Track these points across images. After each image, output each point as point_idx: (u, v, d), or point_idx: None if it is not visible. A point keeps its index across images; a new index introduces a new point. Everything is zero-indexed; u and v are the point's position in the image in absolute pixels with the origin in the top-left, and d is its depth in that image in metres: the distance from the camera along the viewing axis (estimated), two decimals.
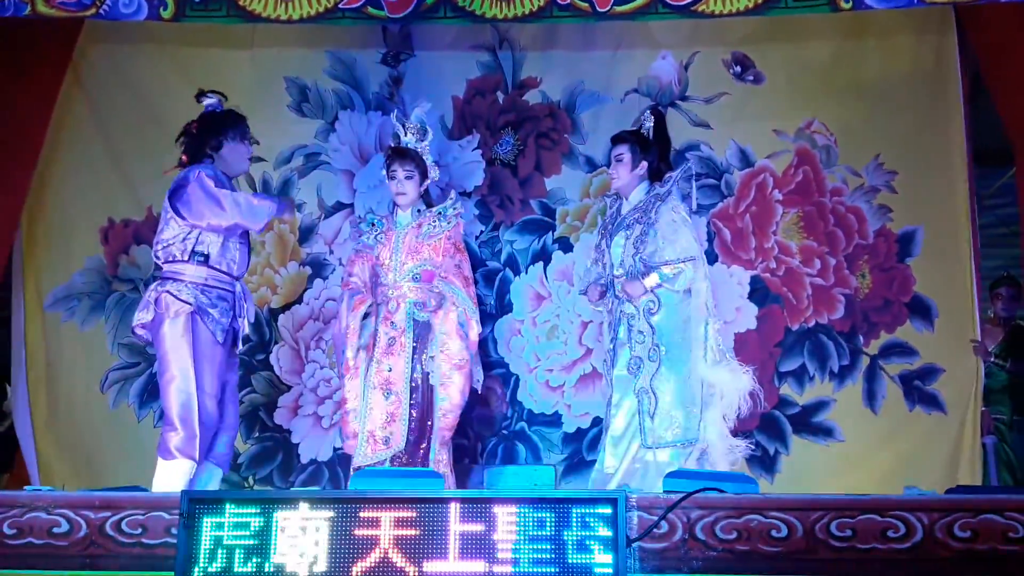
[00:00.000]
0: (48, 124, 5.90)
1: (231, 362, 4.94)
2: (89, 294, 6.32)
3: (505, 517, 3.38)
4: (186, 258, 4.75)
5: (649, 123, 5.25)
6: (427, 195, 5.46)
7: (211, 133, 4.89)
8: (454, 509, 3.38)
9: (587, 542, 3.33)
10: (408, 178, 5.30)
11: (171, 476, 4.56)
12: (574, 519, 3.36)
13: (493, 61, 6.42)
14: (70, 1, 5.28)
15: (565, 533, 3.35)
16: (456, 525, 3.37)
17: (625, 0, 5.19)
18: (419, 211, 5.37)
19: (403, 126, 5.40)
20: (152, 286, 4.85)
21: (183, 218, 4.72)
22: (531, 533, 3.35)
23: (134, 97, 6.28)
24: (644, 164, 5.19)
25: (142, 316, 4.77)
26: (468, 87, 6.43)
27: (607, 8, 5.24)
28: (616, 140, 5.30)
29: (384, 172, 5.41)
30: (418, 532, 3.38)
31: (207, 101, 4.96)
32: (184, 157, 4.87)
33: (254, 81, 6.40)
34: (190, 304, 4.69)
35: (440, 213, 5.35)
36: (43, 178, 6.20)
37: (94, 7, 5.29)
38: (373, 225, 5.38)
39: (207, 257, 4.77)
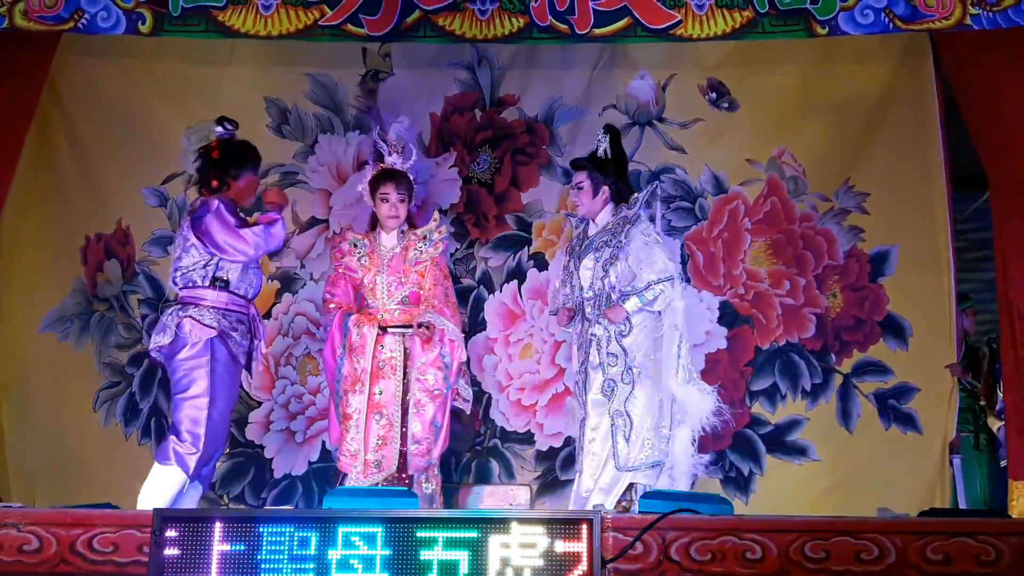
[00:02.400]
0: (25, 138, 5.81)
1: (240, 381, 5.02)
2: (78, 315, 6.27)
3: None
4: (207, 284, 4.80)
5: (604, 143, 5.20)
6: (409, 215, 5.46)
7: (234, 162, 4.94)
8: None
9: (560, 562, 3.33)
10: (401, 201, 5.30)
11: (163, 482, 4.61)
12: (550, 539, 3.36)
13: (471, 79, 6.43)
14: (48, 15, 5.25)
15: (537, 552, 3.35)
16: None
17: (604, 23, 5.23)
18: (402, 232, 5.36)
19: (386, 144, 5.41)
20: (171, 310, 4.85)
21: (205, 246, 4.77)
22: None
23: (110, 111, 6.22)
24: (605, 188, 5.19)
25: (160, 340, 4.79)
26: (446, 104, 6.43)
27: (586, 30, 5.28)
28: (574, 167, 5.31)
29: (366, 191, 5.41)
30: None
31: (224, 128, 5.00)
32: (215, 183, 4.91)
33: (232, 98, 6.33)
34: (214, 328, 4.74)
35: (425, 236, 5.35)
36: (26, 196, 6.10)
37: (72, 21, 5.26)
38: (356, 246, 5.34)
39: (227, 283, 4.82)
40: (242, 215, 4.98)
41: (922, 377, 6.04)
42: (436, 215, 5.52)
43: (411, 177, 5.38)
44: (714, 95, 6.29)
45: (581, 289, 5.18)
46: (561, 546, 3.35)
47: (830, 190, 6.23)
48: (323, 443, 6.09)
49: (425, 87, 6.41)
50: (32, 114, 5.81)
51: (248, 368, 4.97)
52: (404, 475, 5.17)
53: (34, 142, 6.02)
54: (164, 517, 3.43)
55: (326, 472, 6.01)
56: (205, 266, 4.80)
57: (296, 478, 6.16)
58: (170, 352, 4.77)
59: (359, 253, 5.32)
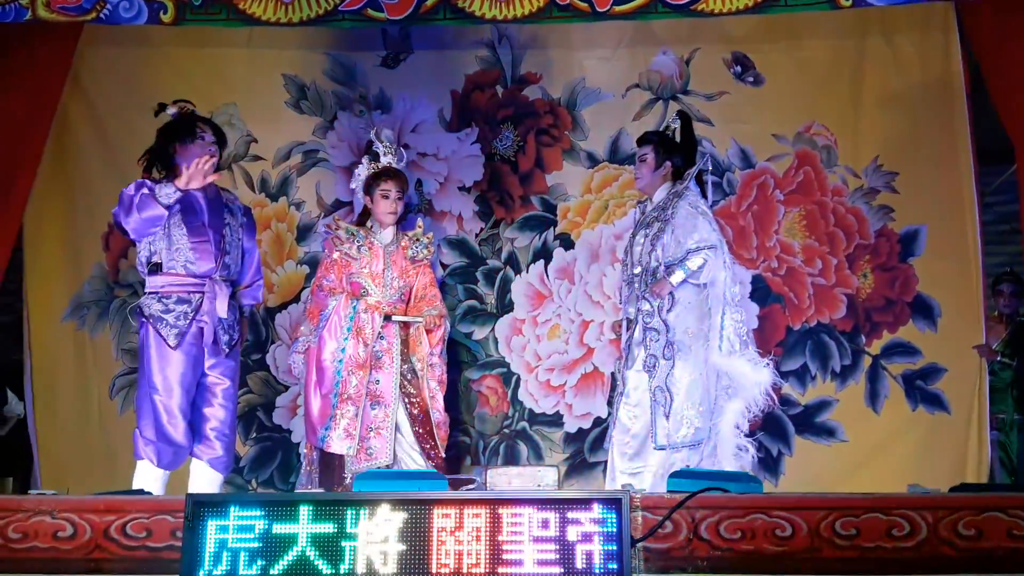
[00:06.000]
0: (48, 129, 5.87)
1: (217, 363, 4.86)
2: (96, 302, 6.33)
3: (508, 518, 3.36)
4: (147, 270, 4.84)
5: (675, 125, 5.25)
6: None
7: (163, 146, 4.89)
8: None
9: (592, 542, 3.33)
10: (399, 198, 5.40)
11: (142, 477, 4.70)
12: (578, 519, 3.36)
13: (492, 56, 6.42)
14: (71, 5, 5.28)
15: (570, 534, 3.35)
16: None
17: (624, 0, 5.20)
18: (395, 231, 5.46)
19: (382, 146, 5.49)
20: None
21: (126, 233, 4.82)
22: (535, 534, 3.34)
23: (132, 99, 6.23)
24: (668, 164, 5.18)
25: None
26: (467, 81, 6.43)
27: (606, 8, 5.25)
28: (641, 141, 5.31)
29: (360, 187, 5.48)
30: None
31: (169, 111, 4.94)
32: (147, 171, 4.90)
33: (252, 78, 6.42)
34: (144, 315, 4.77)
35: (416, 239, 5.46)
36: (49, 185, 6.19)
37: (94, 11, 5.29)
38: (353, 235, 5.39)
39: (159, 265, 4.81)
40: (196, 198, 4.88)
41: (950, 358, 6.01)
42: (420, 221, 5.62)
43: (407, 177, 5.53)
44: (739, 68, 6.26)
45: (632, 265, 5.18)
46: (590, 526, 3.35)
47: (860, 166, 6.20)
48: None
49: (446, 65, 6.42)
50: (56, 104, 5.88)
51: (217, 350, 4.84)
52: (441, 460, 5.28)
53: (57, 132, 6.09)
54: (197, 502, 3.44)
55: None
56: (140, 253, 4.85)
57: None
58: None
59: (357, 242, 5.37)
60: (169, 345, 4.73)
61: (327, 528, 3.36)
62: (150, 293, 4.80)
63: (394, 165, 5.44)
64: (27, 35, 5.53)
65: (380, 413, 5.21)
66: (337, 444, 5.17)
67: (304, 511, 3.38)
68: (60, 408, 6.22)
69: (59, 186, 6.28)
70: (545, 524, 3.34)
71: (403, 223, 5.56)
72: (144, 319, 4.77)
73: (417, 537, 3.33)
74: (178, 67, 6.33)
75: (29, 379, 6.24)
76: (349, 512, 3.37)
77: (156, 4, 5.29)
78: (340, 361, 5.22)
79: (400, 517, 3.35)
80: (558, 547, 3.31)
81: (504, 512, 3.34)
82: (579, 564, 3.28)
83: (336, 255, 5.38)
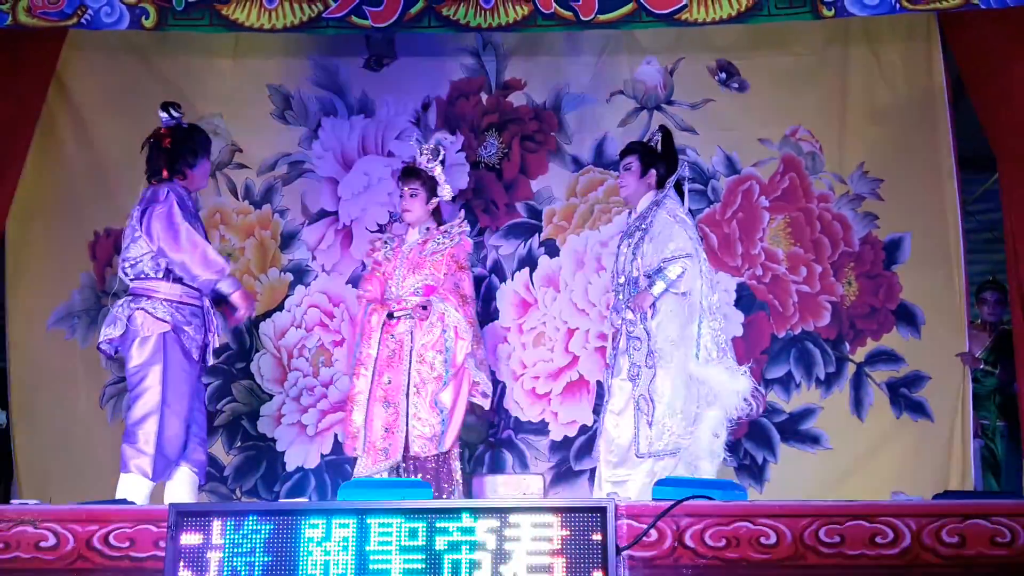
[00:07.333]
0: (32, 135, 5.84)
1: (201, 374, 4.92)
2: (86, 311, 6.28)
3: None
4: (160, 275, 4.66)
5: (658, 136, 5.30)
6: (438, 213, 5.50)
7: (188, 149, 4.83)
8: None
9: (575, 551, 3.33)
10: (413, 196, 5.38)
11: (129, 490, 4.50)
12: (562, 528, 3.35)
13: (477, 64, 6.43)
14: (52, 11, 5.25)
15: (553, 542, 3.34)
16: None
17: (609, 8, 5.20)
18: (427, 229, 5.43)
19: (419, 148, 5.48)
20: (122, 302, 4.73)
21: (148, 237, 4.64)
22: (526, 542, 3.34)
23: (117, 106, 6.25)
24: (653, 172, 5.21)
25: (110, 332, 4.65)
26: (451, 88, 6.44)
27: (591, 17, 5.24)
28: (625, 151, 5.35)
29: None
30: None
31: (169, 115, 4.88)
32: (164, 172, 4.77)
33: (237, 89, 6.41)
34: (167, 322, 4.61)
35: (445, 231, 5.42)
36: (33, 192, 6.14)
37: (76, 16, 5.26)
38: (386, 243, 5.48)
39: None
40: (195, 204, 4.91)
41: (934, 365, 6.03)
42: (461, 213, 5.62)
43: (434, 177, 5.41)
44: (723, 75, 6.29)
45: (616, 275, 5.20)
46: (575, 534, 3.34)
47: (845, 172, 6.22)
48: (336, 436, 6.12)
49: (430, 72, 6.43)
50: (39, 111, 5.84)
51: (204, 362, 4.82)
52: (409, 456, 5.18)
53: (41, 139, 6.05)
54: (180, 512, 3.43)
55: (339, 465, 6.03)
56: (154, 257, 4.64)
57: (308, 471, 6.17)
58: (121, 346, 4.66)
59: (386, 248, 5.44)
60: (194, 358, 4.69)
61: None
62: (166, 300, 4.64)
63: (421, 164, 5.41)
64: (10, 40, 5.50)
65: (392, 412, 5.18)
66: (347, 444, 5.26)
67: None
68: (43, 417, 6.16)
69: (43, 192, 6.23)
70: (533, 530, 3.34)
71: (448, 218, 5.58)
72: (166, 328, 4.60)
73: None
74: (164, 75, 6.31)
75: (10, 387, 6.20)
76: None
77: (138, 9, 5.26)
78: (352, 366, 5.30)
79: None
80: (541, 555, 3.32)
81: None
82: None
83: (370, 263, 5.50)
